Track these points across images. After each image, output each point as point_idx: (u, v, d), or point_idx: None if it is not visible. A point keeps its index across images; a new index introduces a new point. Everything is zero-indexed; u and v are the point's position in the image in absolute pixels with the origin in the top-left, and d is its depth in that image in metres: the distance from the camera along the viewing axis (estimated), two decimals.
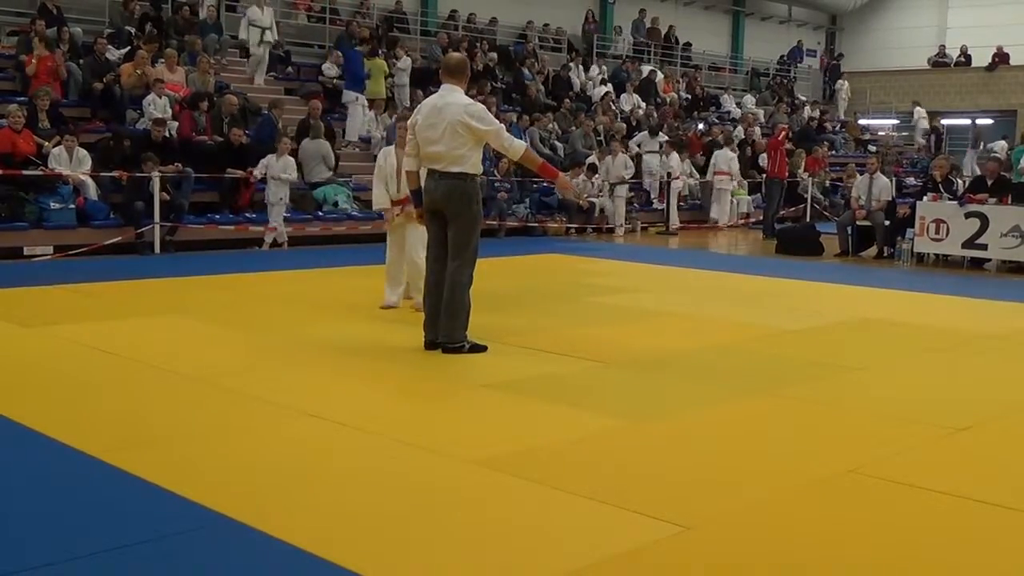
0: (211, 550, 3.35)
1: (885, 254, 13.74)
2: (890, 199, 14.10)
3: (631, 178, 17.91)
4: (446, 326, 6.46)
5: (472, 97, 6.69)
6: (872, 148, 25.73)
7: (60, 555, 3.25)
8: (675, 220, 17.81)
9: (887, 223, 13.81)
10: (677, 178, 17.85)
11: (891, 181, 15.16)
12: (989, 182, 13.14)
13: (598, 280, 10.66)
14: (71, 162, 12.05)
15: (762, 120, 24.64)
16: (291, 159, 13.45)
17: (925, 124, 28.98)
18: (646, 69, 24.24)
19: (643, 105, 22.30)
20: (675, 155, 18.14)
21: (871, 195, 14.00)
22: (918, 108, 29.29)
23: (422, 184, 6.63)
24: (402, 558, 3.31)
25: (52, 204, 11.70)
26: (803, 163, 20.70)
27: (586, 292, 9.64)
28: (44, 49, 13.73)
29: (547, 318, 8.12)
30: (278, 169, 13.19)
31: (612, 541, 3.47)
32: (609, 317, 8.22)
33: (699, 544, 3.48)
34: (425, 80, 17.91)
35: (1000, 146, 25.01)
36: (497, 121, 6.54)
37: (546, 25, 24.79)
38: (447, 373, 6.12)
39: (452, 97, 6.42)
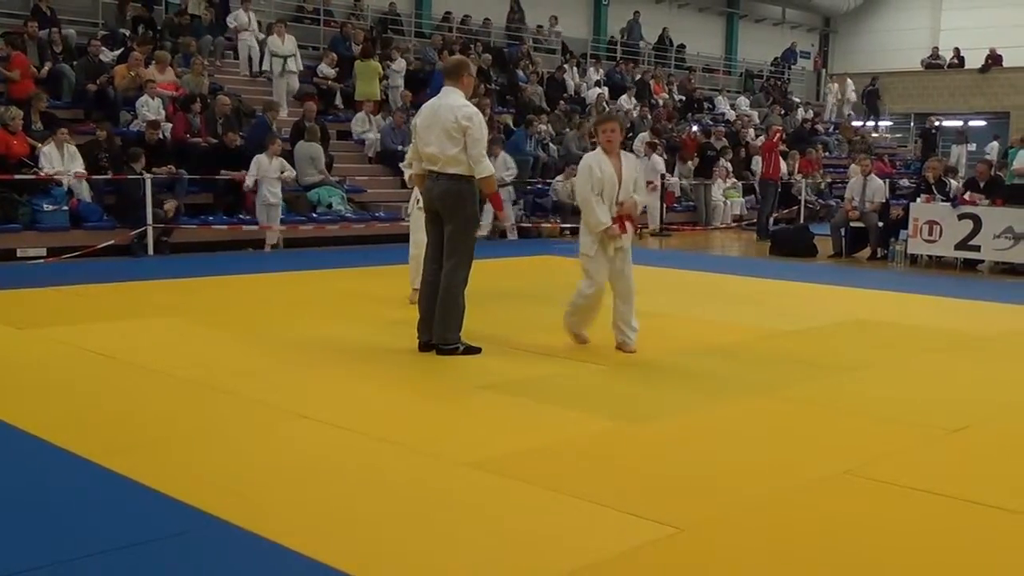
0: (205, 552, 3.35)
1: (879, 255, 13.76)
2: (884, 200, 14.12)
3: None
4: (440, 328, 6.46)
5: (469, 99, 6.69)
6: (860, 145, 25.88)
7: (54, 557, 3.24)
8: (656, 222, 17.75)
9: (880, 224, 13.84)
10: (651, 182, 17.76)
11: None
12: (981, 184, 13.16)
13: None
14: (62, 158, 12.01)
15: (756, 121, 24.68)
16: (283, 159, 13.46)
17: (853, 96, 29.47)
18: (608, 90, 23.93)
19: (637, 106, 22.32)
20: (656, 156, 18.08)
21: (864, 196, 14.03)
22: (849, 81, 29.68)
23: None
24: (396, 560, 3.31)
25: (45, 206, 11.68)
26: (797, 165, 20.78)
27: None
28: (11, 49, 13.65)
29: (541, 320, 8.11)
30: (272, 170, 13.20)
31: (607, 542, 3.47)
32: (603, 318, 8.21)
33: (694, 545, 3.48)
34: (419, 82, 17.92)
35: (992, 147, 25.05)
36: (485, 135, 6.50)
37: (540, 27, 24.79)
38: (441, 375, 6.12)
39: (448, 99, 6.43)
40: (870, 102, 28.79)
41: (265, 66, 16.97)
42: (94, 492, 3.90)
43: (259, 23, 17.76)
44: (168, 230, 12.43)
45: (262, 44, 17.32)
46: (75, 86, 14.25)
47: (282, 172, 13.35)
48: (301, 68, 17.14)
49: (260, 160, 13.20)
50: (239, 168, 13.50)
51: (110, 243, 11.80)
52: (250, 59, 17.46)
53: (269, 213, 13.23)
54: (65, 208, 11.85)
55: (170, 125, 13.82)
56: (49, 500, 3.81)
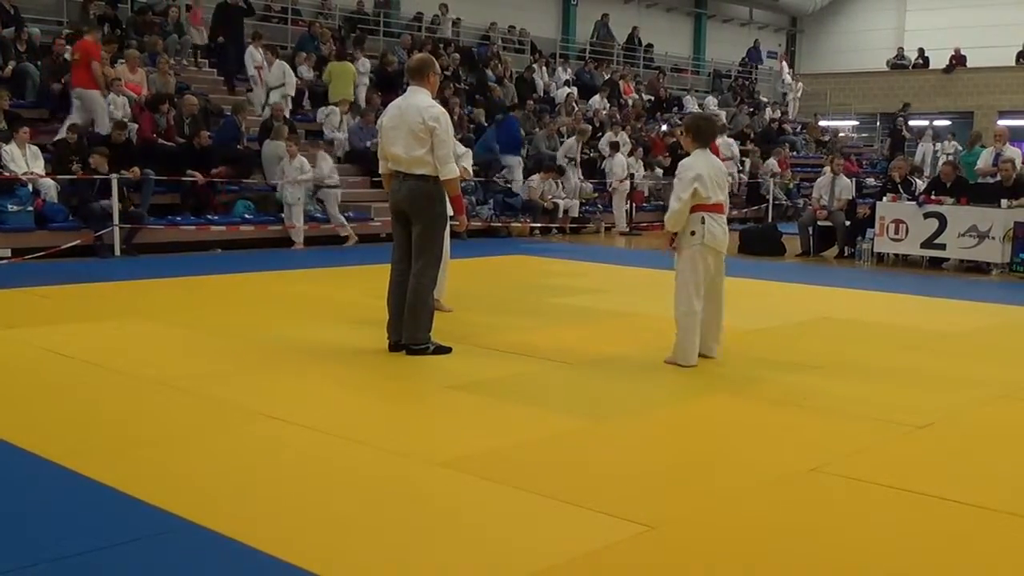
0: (174, 555, 3.32)
1: (846, 254, 13.88)
2: (851, 198, 14.26)
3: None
4: (410, 328, 6.45)
5: (437, 99, 6.68)
6: (825, 138, 26.12)
7: (18, 562, 3.20)
8: (621, 222, 17.86)
9: (848, 223, 13.96)
10: (623, 179, 17.86)
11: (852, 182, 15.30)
12: (947, 184, 13.30)
13: (562, 281, 10.69)
14: (24, 157, 11.86)
15: (724, 121, 24.81)
16: (304, 159, 13.68)
17: (788, 78, 30.12)
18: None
19: (607, 106, 22.39)
20: (619, 156, 18.19)
21: (832, 195, 14.16)
22: (784, 63, 30.30)
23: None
24: (367, 561, 3.30)
25: (10, 206, 11.53)
26: (760, 165, 21.01)
27: (550, 293, 9.66)
28: None
29: (511, 319, 8.12)
30: (293, 171, 13.42)
31: (577, 541, 3.47)
32: (573, 318, 8.24)
33: (663, 543, 3.50)
34: (386, 82, 17.87)
35: (943, 146, 25.10)
36: (451, 137, 6.48)
37: (511, 27, 24.81)
38: (411, 375, 6.10)
39: (414, 99, 6.41)
40: (895, 134, 27.84)
41: (259, 97, 16.34)
42: (59, 495, 3.85)
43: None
44: (133, 231, 12.31)
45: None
46: (39, 85, 14.10)
47: (302, 173, 13.53)
48: (292, 95, 16.40)
49: (284, 163, 13.57)
50: (207, 169, 13.43)
51: (75, 243, 11.66)
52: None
53: (292, 212, 13.49)
54: (30, 208, 11.71)
55: (135, 126, 13.69)
56: (11, 502, 3.76)
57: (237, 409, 5.12)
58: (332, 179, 14.04)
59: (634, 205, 18.10)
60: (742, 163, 21.37)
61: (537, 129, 19.07)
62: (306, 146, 14.61)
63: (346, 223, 14.08)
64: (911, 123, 27.55)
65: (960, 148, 23.21)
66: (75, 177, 12.08)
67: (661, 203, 19.40)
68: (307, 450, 4.48)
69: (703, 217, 6.23)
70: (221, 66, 17.04)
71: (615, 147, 18.36)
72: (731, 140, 20.91)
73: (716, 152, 18.83)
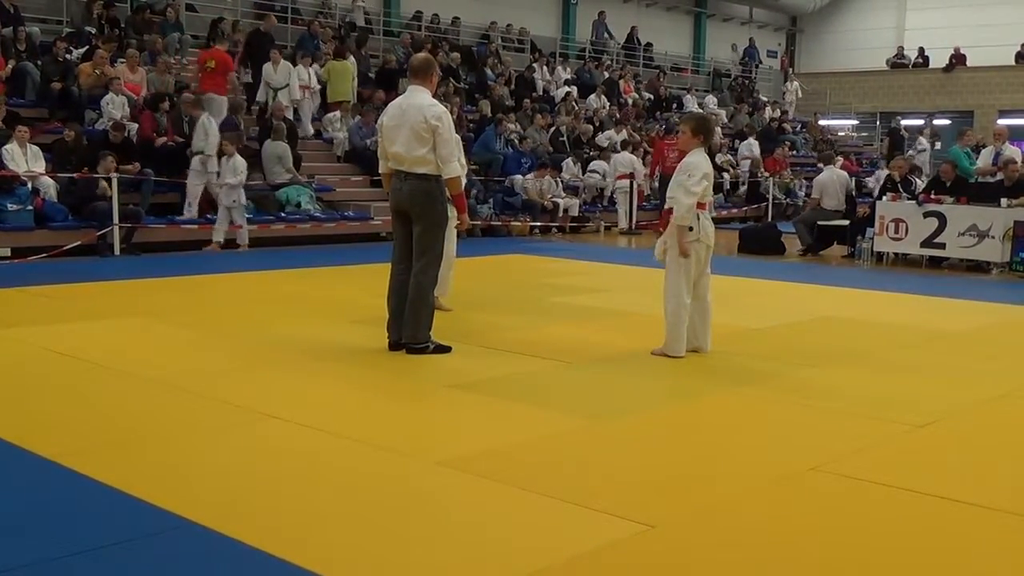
0: (175, 555, 3.32)
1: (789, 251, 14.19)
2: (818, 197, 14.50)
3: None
4: (410, 327, 6.45)
5: (437, 97, 6.69)
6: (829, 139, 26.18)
7: (18, 560, 3.20)
8: (623, 220, 17.91)
9: (847, 223, 13.99)
10: (625, 176, 17.89)
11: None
12: (947, 183, 13.30)
13: (562, 280, 10.68)
14: (25, 156, 11.85)
15: (724, 120, 24.82)
16: (241, 160, 13.01)
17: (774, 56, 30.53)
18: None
19: (607, 105, 22.39)
20: (625, 153, 18.25)
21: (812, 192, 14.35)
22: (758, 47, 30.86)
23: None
24: (368, 560, 3.30)
25: (9, 205, 11.53)
26: (762, 163, 21.04)
27: (550, 292, 9.66)
28: None
29: (511, 318, 8.12)
30: (227, 172, 12.87)
31: (577, 540, 3.47)
32: (573, 317, 8.25)
33: (663, 542, 3.50)
34: (384, 81, 17.86)
35: (922, 143, 24.84)
36: (454, 135, 6.50)
37: (509, 25, 24.81)
38: (412, 374, 6.10)
39: (416, 99, 6.41)
40: (895, 140, 27.43)
41: (259, 97, 16.01)
42: (58, 494, 3.85)
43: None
44: (131, 230, 12.29)
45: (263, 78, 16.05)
46: (39, 85, 14.09)
47: (235, 175, 12.85)
48: (296, 97, 16.16)
49: (220, 163, 12.98)
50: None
51: (77, 244, 11.65)
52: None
53: (227, 214, 12.90)
54: (30, 208, 11.71)
55: (135, 125, 13.69)
56: (11, 502, 3.76)
57: (237, 408, 5.12)
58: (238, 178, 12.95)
59: (634, 204, 18.09)
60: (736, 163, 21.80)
61: (532, 126, 19.09)
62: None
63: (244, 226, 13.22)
64: (905, 123, 27.53)
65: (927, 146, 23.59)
66: (75, 176, 12.08)
67: (656, 202, 19.40)
68: (307, 449, 4.48)
69: (698, 214, 6.56)
70: (253, 96, 16.36)
71: (625, 145, 18.49)
72: (753, 141, 22.18)
73: (786, 161, 19.75)
